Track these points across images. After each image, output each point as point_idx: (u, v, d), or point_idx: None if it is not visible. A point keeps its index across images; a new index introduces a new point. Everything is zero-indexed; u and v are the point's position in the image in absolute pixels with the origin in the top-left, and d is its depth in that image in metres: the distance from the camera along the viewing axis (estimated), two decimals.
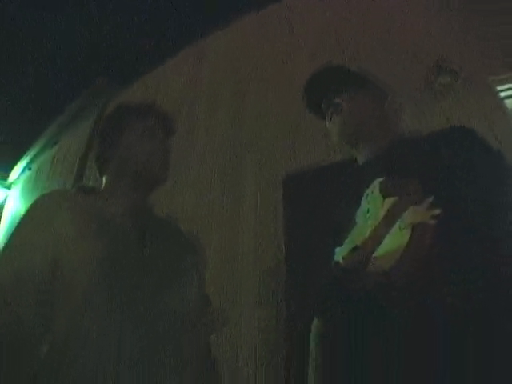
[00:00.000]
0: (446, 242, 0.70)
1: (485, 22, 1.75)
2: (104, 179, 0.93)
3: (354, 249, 0.75)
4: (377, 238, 0.74)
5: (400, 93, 1.06)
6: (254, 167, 2.15)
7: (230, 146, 2.33)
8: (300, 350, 0.86)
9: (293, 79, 2.20)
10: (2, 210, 4.87)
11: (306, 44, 2.37)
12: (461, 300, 0.65)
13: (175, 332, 0.76)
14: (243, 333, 1.65)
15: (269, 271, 1.78)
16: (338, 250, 0.79)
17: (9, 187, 5.03)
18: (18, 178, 4.97)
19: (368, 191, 0.82)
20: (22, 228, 0.79)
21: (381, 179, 0.81)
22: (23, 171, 4.87)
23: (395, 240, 0.72)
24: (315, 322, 0.86)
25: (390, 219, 0.74)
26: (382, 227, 0.74)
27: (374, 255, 0.72)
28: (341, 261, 0.75)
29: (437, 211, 0.71)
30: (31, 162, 4.73)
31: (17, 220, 0.81)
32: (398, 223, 0.73)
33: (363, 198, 0.82)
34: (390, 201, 0.76)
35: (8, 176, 4.99)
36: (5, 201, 4.97)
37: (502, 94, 1.66)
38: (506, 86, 1.66)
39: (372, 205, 0.79)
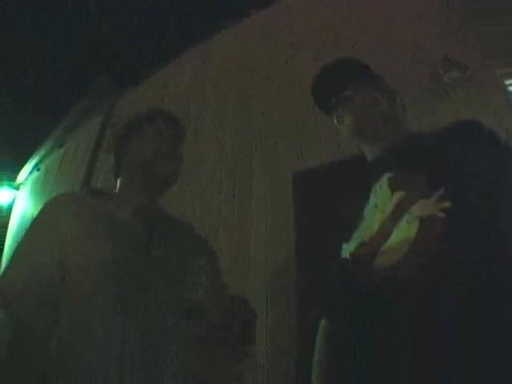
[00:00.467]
0: (453, 235, 0.69)
1: (485, 22, 1.75)
2: (118, 182, 0.96)
3: (361, 245, 0.74)
4: (384, 232, 0.73)
5: (400, 93, 1.07)
6: (263, 167, 2.17)
7: (238, 147, 2.36)
8: (310, 351, 0.85)
9: (296, 79, 2.23)
10: (10, 210, 4.93)
11: (306, 44, 2.39)
12: (468, 293, 0.65)
13: (179, 333, 0.76)
14: None
15: (279, 272, 1.78)
16: (345, 246, 0.78)
17: (17, 188, 5.09)
18: (26, 178, 5.02)
19: (377, 186, 0.82)
20: (31, 233, 0.82)
21: (390, 174, 0.81)
22: (31, 172, 4.92)
23: (402, 234, 0.71)
24: (322, 321, 0.85)
25: (398, 213, 0.73)
26: (389, 221, 0.74)
27: (381, 249, 0.72)
28: (348, 257, 0.75)
29: (446, 204, 0.70)
30: (39, 162, 4.77)
31: (25, 221, 0.83)
32: (405, 217, 0.73)
33: (372, 193, 0.82)
34: (398, 195, 0.76)
35: (16, 177, 5.04)
36: (13, 201, 5.03)
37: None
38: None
39: (380, 199, 0.79)
